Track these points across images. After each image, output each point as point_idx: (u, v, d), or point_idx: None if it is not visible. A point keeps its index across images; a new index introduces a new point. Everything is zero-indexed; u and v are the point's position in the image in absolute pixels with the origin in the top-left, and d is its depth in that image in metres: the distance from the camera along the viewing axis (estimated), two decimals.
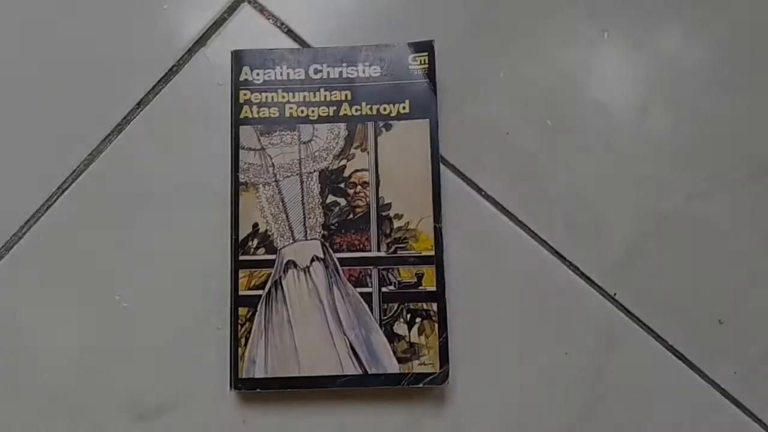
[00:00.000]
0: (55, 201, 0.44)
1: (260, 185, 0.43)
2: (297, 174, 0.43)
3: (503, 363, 0.43)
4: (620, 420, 0.43)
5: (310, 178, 0.43)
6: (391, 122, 0.43)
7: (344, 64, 0.44)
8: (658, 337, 0.44)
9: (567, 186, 0.45)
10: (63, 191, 0.44)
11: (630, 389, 0.44)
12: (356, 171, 0.43)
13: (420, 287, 0.42)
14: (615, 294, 0.44)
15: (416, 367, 0.41)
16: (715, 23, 0.48)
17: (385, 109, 0.43)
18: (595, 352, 0.44)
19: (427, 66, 0.44)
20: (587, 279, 0.45)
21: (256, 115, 0.43)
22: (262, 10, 0.47)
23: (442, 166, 0.44)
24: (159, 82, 0.45)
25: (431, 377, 0.41)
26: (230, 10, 0.47)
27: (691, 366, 0.44)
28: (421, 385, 0.41)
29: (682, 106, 0.47)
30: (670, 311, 0.44)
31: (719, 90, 0.47)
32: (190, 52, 0.46)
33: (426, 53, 0.44)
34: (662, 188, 0.46)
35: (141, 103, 0.45)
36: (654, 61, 0.47)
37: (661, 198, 0.46)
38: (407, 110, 0.43)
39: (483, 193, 0.45)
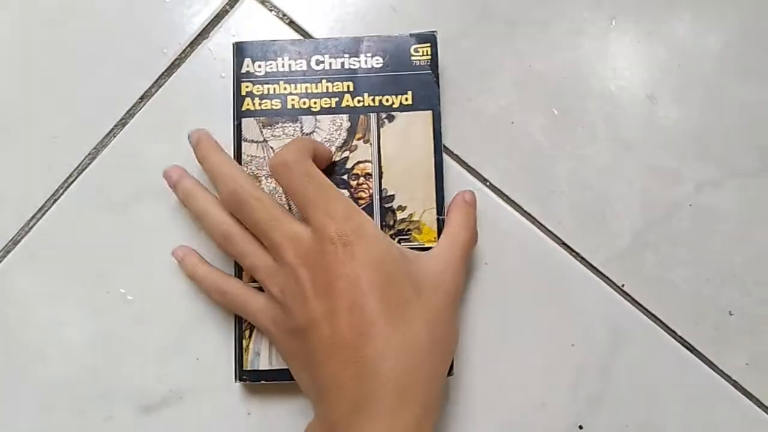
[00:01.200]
0: (61, 195, 0.44)
1: (263, 177, 0.43)
2: None
3: (508, 355, 0.43)
4: (628, 412, 0.43)
5: None
6: (393, 113, 0.43)
7: (346, 56, 0.43)
8: (667, 328, 0.44)
9: (573, 175, 0.45)
10: (68, 185, 0.45)
11: (638, 381, 0.43)
12: (359, 162, 0.43)
13: None
14: (623, 285, 0.44)
15: None
16: (726, 10, 0.47)
17: (387, 100, 0.43)
18: (603, 343, 0.43)
19: (429, 57, 0.43)
20: (594, 269, 0.44)
21: (258, 107, 0.43)
22: (264, 1, 0.46)
23: (445, 157, 0.44)
24: (162, 75, 0.46)
25: None
26: (232, 2, 0.46)
27: (701, 357, 0.43)
28: None
29: (692, 95, 0.46)
30: (679, 302, 0.44)
31: (730, 78, 0.46)
32: (193, 44, 0.46)
33: (428, 44, 0.43)
34: (671, 177, 0.45)
35: (144, 97, 0.45)
36: (663, 49, 0.46)
37: (670, 187, 0.45)
38: (410, 101, 0.43)
39: (488, 183, 0.45)
